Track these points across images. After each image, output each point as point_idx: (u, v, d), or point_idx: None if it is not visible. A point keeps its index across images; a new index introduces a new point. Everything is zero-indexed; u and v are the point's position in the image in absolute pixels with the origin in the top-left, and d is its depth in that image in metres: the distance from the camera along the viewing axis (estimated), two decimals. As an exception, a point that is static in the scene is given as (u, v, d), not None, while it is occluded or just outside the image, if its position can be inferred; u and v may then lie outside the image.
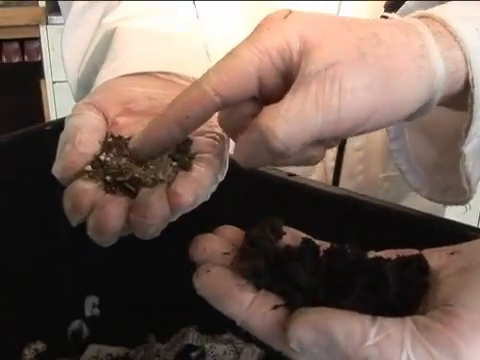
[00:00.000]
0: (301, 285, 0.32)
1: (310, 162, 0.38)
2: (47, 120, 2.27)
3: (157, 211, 0.36)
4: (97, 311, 0.67)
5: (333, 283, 0.32)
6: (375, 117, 0.35)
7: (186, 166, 0.39)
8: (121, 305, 0.66)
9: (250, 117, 0.38)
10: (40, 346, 0.63)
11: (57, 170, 0.38)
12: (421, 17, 0.39)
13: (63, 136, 0.40)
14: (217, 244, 0.35)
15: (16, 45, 2.28)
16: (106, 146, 0.40)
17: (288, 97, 0.34)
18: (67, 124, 0.41)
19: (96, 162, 0.39)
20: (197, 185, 0.38)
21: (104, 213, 0.36)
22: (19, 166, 0.59)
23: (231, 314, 0.32)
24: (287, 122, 0.34)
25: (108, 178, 0.38)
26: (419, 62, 0.36)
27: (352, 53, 0.35)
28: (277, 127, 0.34)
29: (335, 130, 0.35)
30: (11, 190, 0.59)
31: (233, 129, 0.39)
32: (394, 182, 0.72)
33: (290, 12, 0.37)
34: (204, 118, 0.37)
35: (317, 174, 0.68)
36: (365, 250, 0.36)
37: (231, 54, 0.37)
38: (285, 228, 0.36)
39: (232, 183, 0.42)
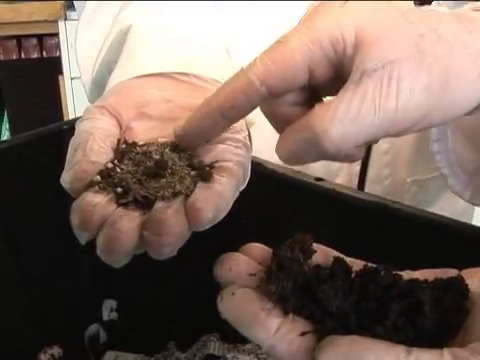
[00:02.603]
0: (331, 310, 0.30)
1: (348, 161, 0.36)
2: (65, 116, 2.27)
3: (173, 228, 0.33)
4: (115, 315, 0.66)
5: (365, 308, 0.30)
6: (429, 118, 0.33)
7: (206, 176, 0.36)
8: (140, 309, 0.64)
9: (295, 105, 0.36)
10: (56, 351, 0.62)
11: (66, 180, 0.35)
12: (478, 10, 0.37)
13: (73, 142, 0.37)
14: (243, 264, 0.33)
15: (35, 41, 2.30)
16: (119, 154, 0.38)
17: (344, 96, 0.33)
18: (78, 129, 0.38)
19: (107, 171, 0.36)
20: (218, 199, 0.34)
21: (115, 231, 0.33)
22: (36, 166, 0.58)
23: (257, 340, 0.30)
24: (343, 124, 0.32)
25: (119, 190, 0.35)
26: (479, 62, 0.34)
27: (411, 51, 0.33)
28: (332, 129, 0.32)
29: (388, 131, 0.33)
30: (28, 190, 0.58)
31: (276, 117, 0.37)
32: (421, 186, 0.71)
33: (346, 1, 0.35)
34: (250, 108, 0.36)
35: (342, 178, 0.66)
36: (397, 262, 0.34)
37: (280, 41, 0.35)
38: (316, 246, 0.34)
39: (258, 187, 0.40)
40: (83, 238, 0.34)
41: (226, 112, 0.36)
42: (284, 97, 0.36)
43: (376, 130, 0.32)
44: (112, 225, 0.33)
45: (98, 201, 0.34)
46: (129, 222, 0.33)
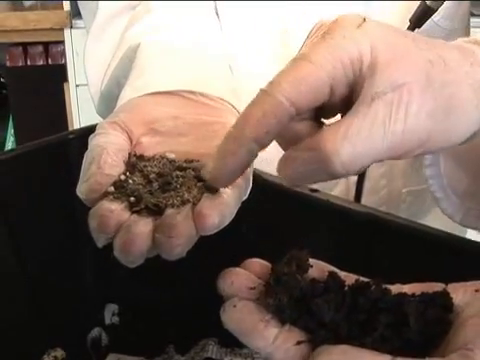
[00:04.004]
0: (324, 321, 0.32)
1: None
2: (70, 122, 2.28)
3: (183, 231, 0.35)
4: (117, 319, 0.67)
5: (356, 320, 0.33)
6: (429, 143, 0.34)
7: (212, 187, 0.38)
8: (141, 314, 0.66)
9: (303, 120, 0.36)
10: (59, 353, 0.63)
11: (82, 191, 0.38)
12: (474, 42, 0.38)
13: (88, 156, 0.40)
14: (244, 279, 0.35)
15: (40, 48, 2.31)
16: (130, 166, 0.40)
17: (355, 117, 0.33)
18: (91, 144, 0.41)
19: (120, 183, 0.38)
20: (223, 206, 0.37)
21: (131, 233, 0.35)
22: (42, 175, 0.60)
23: (256, 348, 0.32)
24: (353, 145, 0.32)
25: (132, 199, 0.38)
26: (478, 94, 0.35)
27: (421, 76, 0.34)
28: (343, 150, 0.32)
29: (392, 154, 0.34)
30: (34, 198, 0.60)
31: (283, 132, 0.36)
32: (417, 196, 0.72)
33: (364, 20, 0.35)
34: (279, 131, 0.35)
35: (339, 189, 0.68)
36: (388, 272, 0.36)
37: (302, 59, 0.34)
38: (312, 261, 0.36)
39: (256, 197, 0.42)
40: (100, 241, 0.37)
41: (261, 139, 0.34)
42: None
43: (383, 153, 0.33)
44: (128, 229, 0.36)
45: (114, 208, 0.37)
46: (143, 226, 0.36)
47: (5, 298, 0.59)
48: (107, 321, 0.67)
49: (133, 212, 0.37)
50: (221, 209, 0.37)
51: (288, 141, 0.36)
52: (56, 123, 2.18)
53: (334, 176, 0.33)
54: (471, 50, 0.37)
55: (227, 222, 0.37)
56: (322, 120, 0.38)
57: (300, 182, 0.35)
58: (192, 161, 0.41)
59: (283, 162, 0.35)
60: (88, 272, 0.65)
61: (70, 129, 2.00)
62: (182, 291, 0.61)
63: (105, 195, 0.38)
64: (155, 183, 0.39)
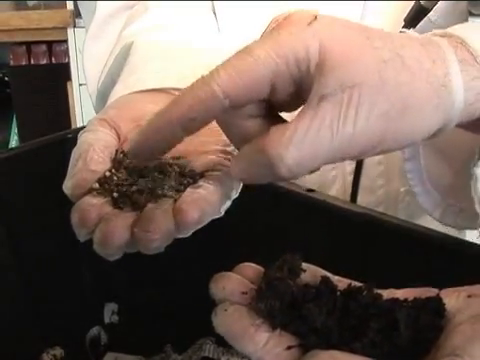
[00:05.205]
0: (315, 326, 0.32)
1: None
2: (73, 121, 2.29)
3: (161, 226, 0.35)
4: (116, 318, 0.68)
5: (347, 325, 0.32)
6: (385, 143, 0.34)
7: (194, 183, 0.39)
8: (139, 313, 0.66)
9: (251, 118, 0.36)
10: (58, 352, 0.63)
11: (68, 187, 0.38)
12: (446, 36, 0.37)
13: (75, 152, 0.40)
14: (236, 283, 0.35)
15: (44, 47, 2.32)
16: (116, 163, 0.41)
17: (301, 121, 0.33)
18: (80, 140, 0.41)
19: (105, 179, 0.39)
20: (204, 202, 0.37)
21: (110, 226, 0.35)
22: (40, 173, 0.60)
23: (247, 352, 0.32)
24: (299, 150, 0.32)
25: (115, 195, 0.38)
26: (440, 92, 0.34)
27: (373, 77, 0.33)
28: (288, 155, 0.32)
29: (343, 156, 0.34)
30: (31, 197, 0.60)
31: (230, 129, 0.37)
32: (415, 196, 0.72)
33: (315, 18, 0.35)
34: (209, 120, 0.35)
35: (336, 188, 0.68)
36: (383, 273, 0.36)
37: (245, 53, 0.34)
38: (305, 265, 0.36)
39: (250, 197, 0.42)
40: (82, 235, 0.37)
41: (186, 124, 0.34)
42: (244, 110, 0.36)
43: (332, 155, 0.33)
44: (107, 222, 0.36)
45: (96, 202, 0.37)
46: (122, 220, 0.36)
47: (4, 297, 0.59)
48: (106, 320, 0.67)
49: (115, 207, 0.38)
50: (202, 205, 0.36)
51: (238, 139, 0.36)
52: (59, 122, 2.19)
53: (282, 179, 0.34)
54: (437, 44, 0.36)
55: (209, 219, 0.37)
56: (279, 114, 0.37)
57: (251, 181, 0.35)
58: (179, 158, 0.42)
59: (233, 161, 0.35)
60: (87, 271, 0.66)
61: (73, 128, 2.00)
62: (180, 290, 0.61)
63: (90, 191, 0.38)
64: (139, 179, 0.39)
